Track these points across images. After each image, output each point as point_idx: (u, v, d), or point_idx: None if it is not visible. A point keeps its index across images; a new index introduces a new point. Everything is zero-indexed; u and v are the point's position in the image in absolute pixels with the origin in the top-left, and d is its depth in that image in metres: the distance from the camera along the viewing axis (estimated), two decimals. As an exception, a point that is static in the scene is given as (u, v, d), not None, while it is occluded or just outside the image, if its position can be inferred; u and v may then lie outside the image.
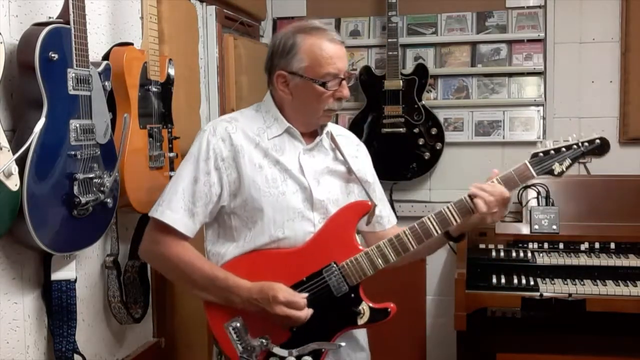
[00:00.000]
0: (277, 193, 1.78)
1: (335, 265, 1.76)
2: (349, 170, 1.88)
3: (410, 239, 1.77)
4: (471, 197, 1.76)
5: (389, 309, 1.78)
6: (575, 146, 1.82)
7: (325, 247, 1.78)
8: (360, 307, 1.76)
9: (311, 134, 1.87)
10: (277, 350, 1.74)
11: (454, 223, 1.78)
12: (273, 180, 1.78)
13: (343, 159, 1.88)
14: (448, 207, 1.78)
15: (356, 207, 1.83)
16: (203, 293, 1.78)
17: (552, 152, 1.81)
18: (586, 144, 1.82)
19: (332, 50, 1.77)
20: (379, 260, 1.76)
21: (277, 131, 1.82)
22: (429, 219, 1.78)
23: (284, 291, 1.70)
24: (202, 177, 1.77)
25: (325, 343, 1.75)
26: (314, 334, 1.75)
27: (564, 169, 1.81)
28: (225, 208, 1.81)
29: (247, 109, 1.91)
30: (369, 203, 1.82)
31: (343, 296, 1.76)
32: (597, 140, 1.82)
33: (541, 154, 1.81)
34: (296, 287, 1.75)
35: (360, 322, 1.77)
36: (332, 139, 1.89)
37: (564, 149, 1.81)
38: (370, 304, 1.77)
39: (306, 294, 1.73)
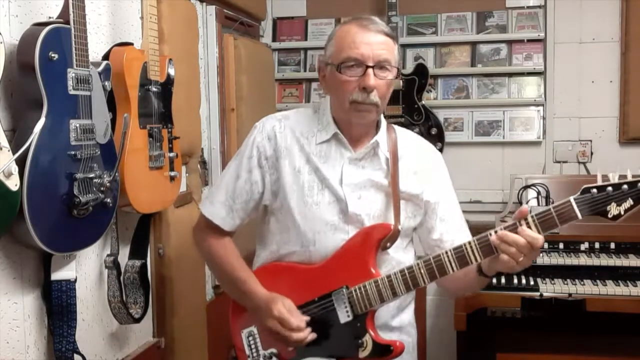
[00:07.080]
0: (311, 202, 1.69)
1: (344, 290, 1.64)
2: (393, 187, 1.70)
3: (423, 274, 1.58)
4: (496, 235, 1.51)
5: (392, 347, 1.62)
6: None
7: (341, 268, 1.65)
8: (363, 339, 1.62)
9: (367, 140, 1.72)
10: None
11: (474, 262, 1.54)
12: (309, 189, 1.70)
13: (393, 173, 1.70)
14: (470, 243, 1.53)
15: (375, 229, 1.66)
16: (228, 289, 1.83)
17: (610, 188, 1.43)
18: None
19: (357, 35, 1.61)
20: (388, 291, 1.60)
21: (325, 136, 1.71)
22: (446, 253, 1.56)
23: (282, 307, 1.64)
24: (243, 174, 1.75)
25: None
26: (316, 356, 1.67)
27: (622, 212, 1.42)
28: (269, 208, 1.76)
29: (306, 108, 1.84)
30: (390, 226, 1.65)
31: (347, 324, 1.64)
32: None
33: (594, 190, 1.45)
34: (307, 305, 1.68)
35: (362, 354, 1.62)
36: (393, 149, 1.72)
37: (625, 186, 1.42)
38: (375, 338, 1.62)
39: (307, 317, 1.65)
